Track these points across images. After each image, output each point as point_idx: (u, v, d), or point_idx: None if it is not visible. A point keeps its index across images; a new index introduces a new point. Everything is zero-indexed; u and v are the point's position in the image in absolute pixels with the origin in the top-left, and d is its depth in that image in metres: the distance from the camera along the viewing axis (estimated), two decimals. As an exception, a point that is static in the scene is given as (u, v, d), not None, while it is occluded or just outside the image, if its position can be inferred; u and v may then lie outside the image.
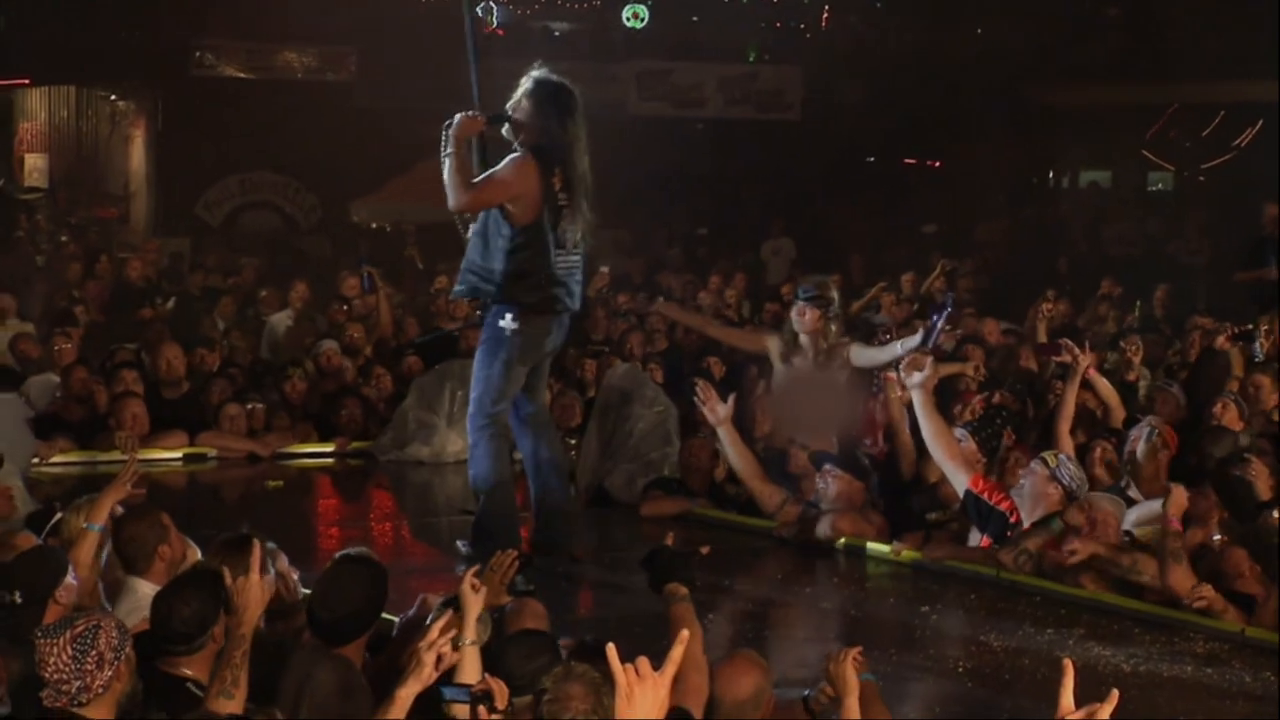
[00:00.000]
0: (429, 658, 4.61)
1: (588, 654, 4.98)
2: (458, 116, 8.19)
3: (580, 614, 7.72)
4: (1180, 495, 7.69)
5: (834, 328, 9.75)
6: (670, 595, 5.45)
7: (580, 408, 11.43)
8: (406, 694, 4.61)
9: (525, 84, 8.33)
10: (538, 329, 8.33)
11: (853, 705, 5.03)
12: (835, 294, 9.94)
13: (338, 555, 5.86)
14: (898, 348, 9.41)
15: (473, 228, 8.35)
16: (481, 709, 4.62)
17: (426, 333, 13.95)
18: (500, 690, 4.69)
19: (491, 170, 8.22)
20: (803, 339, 9.75)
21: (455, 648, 4.82)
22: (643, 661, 3.59)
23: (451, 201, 8.20)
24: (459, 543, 8.71)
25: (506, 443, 8.54)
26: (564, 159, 8.20)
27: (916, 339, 9.29)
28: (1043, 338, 11.80)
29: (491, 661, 4.93)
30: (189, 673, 5.09)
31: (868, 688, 5.32)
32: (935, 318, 9.78)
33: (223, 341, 13.39)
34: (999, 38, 24.74)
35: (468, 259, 8.37)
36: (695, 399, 9.44)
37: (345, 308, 14.40)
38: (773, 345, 10.01)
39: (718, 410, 9.28)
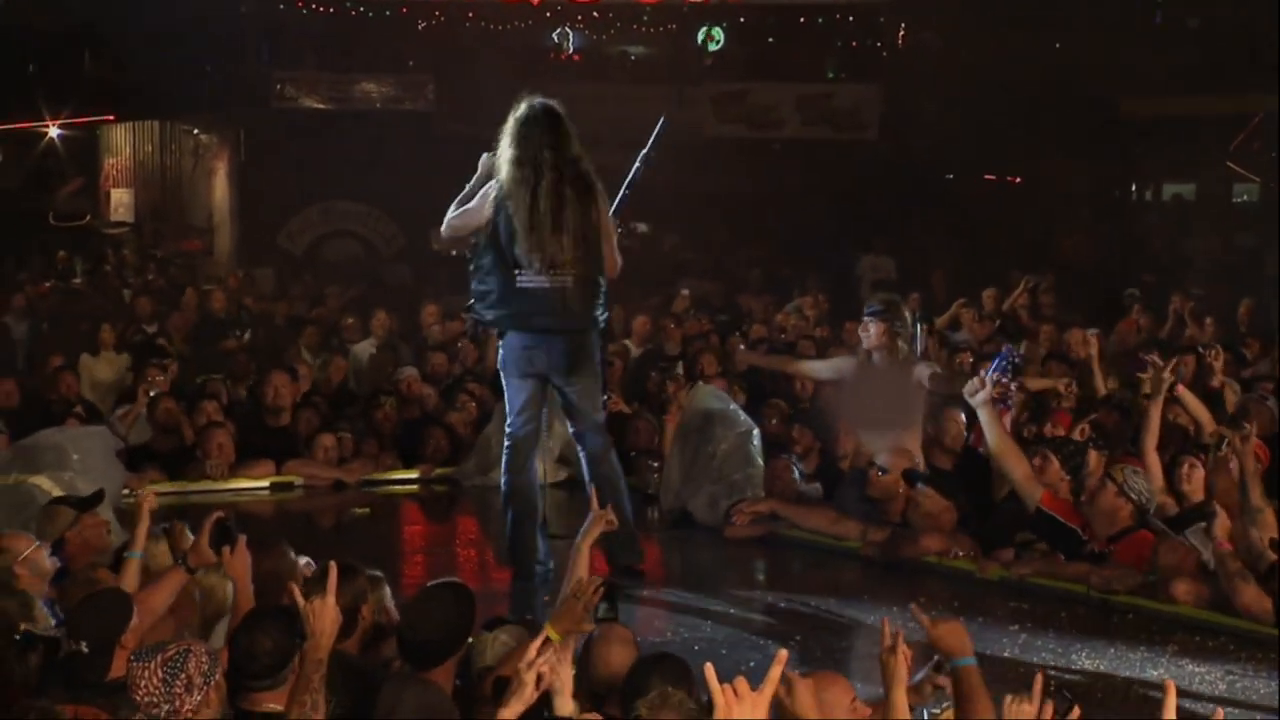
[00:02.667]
0: (530, 677, 4.53)
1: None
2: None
3: (666, 636, 7.70)
4: (1225, 518, 7.65)
5: (903, 345, 9.85)
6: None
7: (658, 430, 11.45)
8: (511, 715, 4.52)
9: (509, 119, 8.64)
10: (518, 345, 8.71)
11: (900, 699, 4.87)
12: (906, 312, 10.07)
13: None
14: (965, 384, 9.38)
15: None
16: None
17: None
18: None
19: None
20: (875, 356, 9.86)
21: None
22: (740, 681, 3.56)
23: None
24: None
25: (525, 455, 8.98)
26: (527, 186, 8.44)
27: (975, 386, 9.14)
28: (1096, 373, 11.62)
29: (632, 689, 4.87)
30: (275, 707, 5.07)
31: (969, 673, 5.05)
32: (992, 365, 9.86)
33: (317, 372, 13.52)
34: (1078, 51, 24.53)
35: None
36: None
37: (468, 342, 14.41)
38: (846, 366, 10.20)
39: (759, 508, 9.81)
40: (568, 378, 8.80)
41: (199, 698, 4.69)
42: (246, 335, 16.11)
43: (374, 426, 12.13)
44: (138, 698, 4.66)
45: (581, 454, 9.06)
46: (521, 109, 8.56)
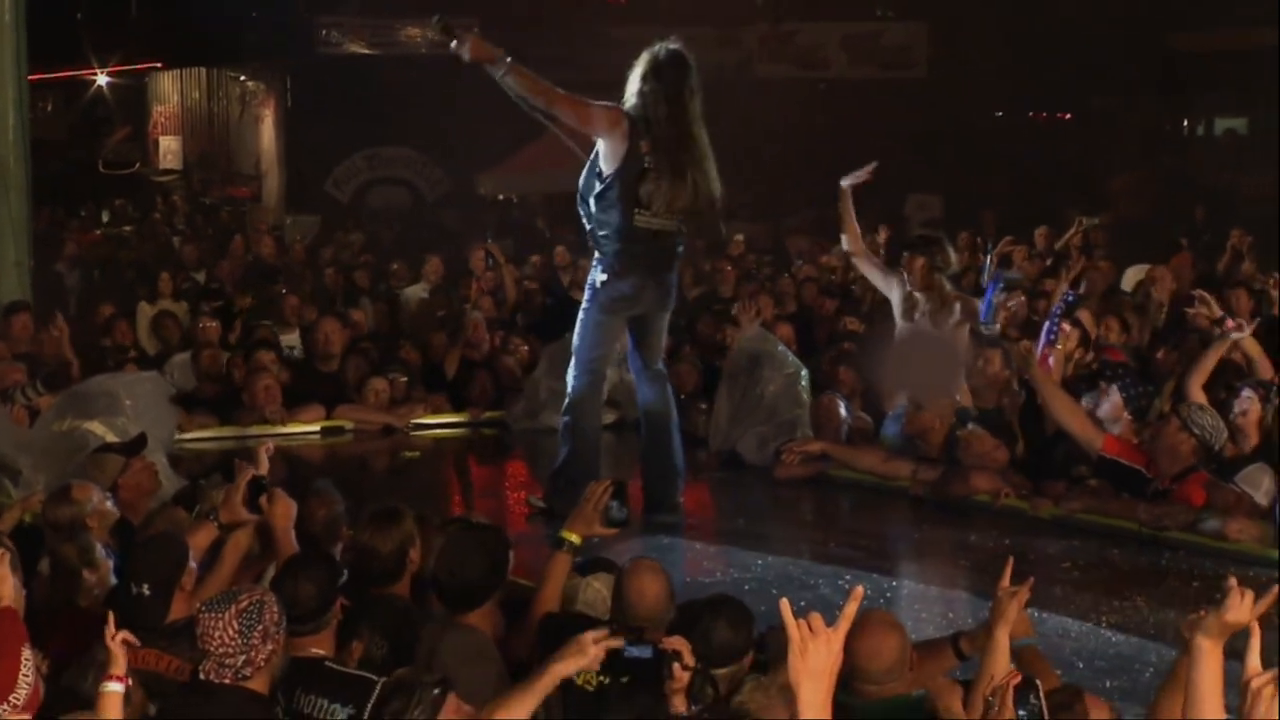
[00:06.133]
0: (594, 651, 4.54)
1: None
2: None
3: (716, 576, 7.71)
4: None
5: (947, 285, 9.90)
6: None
7: (701, 373, 11.48)
8: (565, 671, 4.56)
9: (643, 54, 8.60)
10: (625, 285, 8.63)
11: (1002, 637, 4.91)
12: (951, 251, 10.04)
13: (454, 521, 5.95)
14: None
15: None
16: (676, 666, 4.63)
17: (551, 303, 14.02)
18: (686, 647, 4.69)
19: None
20: (918, 296, 9.91)
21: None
22: (815, 617, 3.54)
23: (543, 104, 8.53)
24: (530, 498, 9.10)
25: (598, 395, 8.94)
26: (660, 126, 8.46)
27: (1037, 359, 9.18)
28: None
29: (697, 633, 4.90)
30: (318, 651, 5.11)
31: (1029, 652, 5.20)
32: (987, 293, 9.83)
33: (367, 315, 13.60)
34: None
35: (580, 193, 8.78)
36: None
37: (476, 282, 14.53)
38: (895, 294, 10.15)
39: (810, 449, 9.75)
40: (660, 313, 8.91)
41: (272, 646, 4.69)
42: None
43: (419, 370, 12.18)
44: (211, 649, 4.64)
45: (644, 389, 9.03)
46: (660, 49, 8.59)
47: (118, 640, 4.51)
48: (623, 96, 8.62)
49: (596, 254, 8.75)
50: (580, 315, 8.85)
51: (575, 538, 5.81)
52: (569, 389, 8.91)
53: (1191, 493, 8.20)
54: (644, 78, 8.53)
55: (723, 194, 8.82)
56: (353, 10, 26.00)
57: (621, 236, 8.56)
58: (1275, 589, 4.25)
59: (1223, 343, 9.08)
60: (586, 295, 8.85)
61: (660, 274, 8.73)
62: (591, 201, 8.64)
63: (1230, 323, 9.14)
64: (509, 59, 8.45)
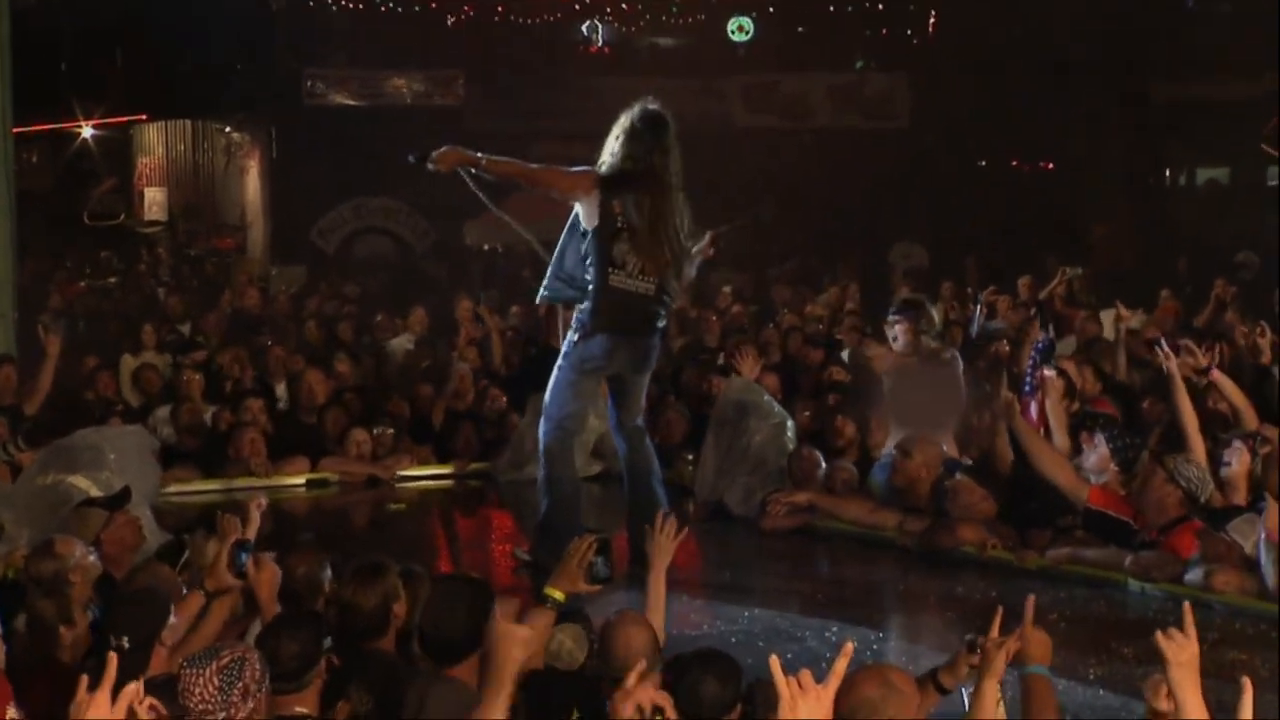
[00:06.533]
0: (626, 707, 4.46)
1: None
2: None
3: (703, 629, 7.68)
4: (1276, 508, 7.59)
5: (933, 344, 9.98)
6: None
7: (688, 423, 11.49)
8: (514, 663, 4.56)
9: (621, 115, 8.70)
10: (594, 345, 8.66)
11: (990, 689, 4.88)
12: (933, 312, 10.15)
13: (439, 576, 5.94)
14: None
15: (562, 239, 8.84)
16: None
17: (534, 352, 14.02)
18: (668, 701, 4.66)
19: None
20: (905, 359, 10.06)
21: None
22: (805, 674, 3.53)
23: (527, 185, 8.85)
24: (516, 551, 9.08)
25: (569, 449, 8.95)
26: (635, 188, 8.52)
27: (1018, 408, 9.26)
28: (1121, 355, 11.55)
29: (684, 686, 4.85)
30: (301, 710, 5.05)
31: (1039, 681, 5.12)
32: (1028, 373, 9.92)
33: (353, 366, 13.58)
34: (1109, 34, 24.41)
35: (555, 263, 8.82)
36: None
37: (463, 331, 14.52)
38: (881, 360, 10.17)
39: (796, 500, 9.78)
40: (636, 375, 8.90)
41: (252, 705, 4.64)
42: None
43: (404, 422, 12.16)
44: (191, 704, 4.60)
45: (621, 445, 9.05)
46: (636, 110, 8.66)
47: (145, 705, 4.47)
48: (604, 149, 8.69)
49: (575, 312, 8.79)
50: (554, 372, 8.89)
51: (559, 595, 5.77)
52: (539, 444, 8.92)
53: (1181, 543, 8.19)
54: (619, 139, 8.61)
55: (702, 247, 8.92)
56: (338, 62, 26.07)
57: (597, 295, 8.60)
58: (1186, 605, 4.23)
59: (1176, 376, 9.04)
60: (562, 352, 8.90)
61: (635, 337, 8.72)
62: (580, 266, 8.69)
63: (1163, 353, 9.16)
64: (480, 155, 8.74)
